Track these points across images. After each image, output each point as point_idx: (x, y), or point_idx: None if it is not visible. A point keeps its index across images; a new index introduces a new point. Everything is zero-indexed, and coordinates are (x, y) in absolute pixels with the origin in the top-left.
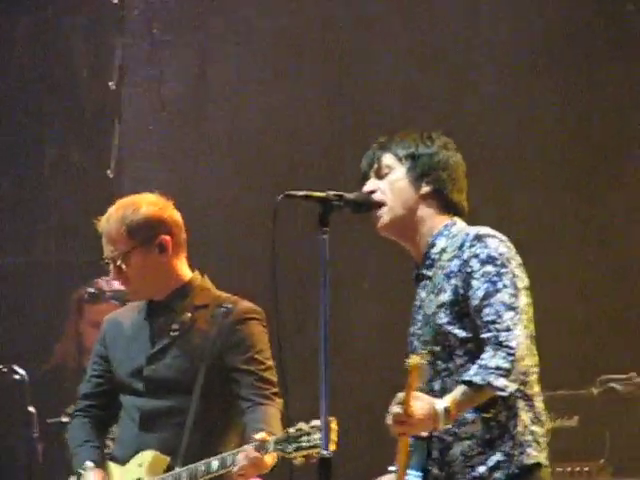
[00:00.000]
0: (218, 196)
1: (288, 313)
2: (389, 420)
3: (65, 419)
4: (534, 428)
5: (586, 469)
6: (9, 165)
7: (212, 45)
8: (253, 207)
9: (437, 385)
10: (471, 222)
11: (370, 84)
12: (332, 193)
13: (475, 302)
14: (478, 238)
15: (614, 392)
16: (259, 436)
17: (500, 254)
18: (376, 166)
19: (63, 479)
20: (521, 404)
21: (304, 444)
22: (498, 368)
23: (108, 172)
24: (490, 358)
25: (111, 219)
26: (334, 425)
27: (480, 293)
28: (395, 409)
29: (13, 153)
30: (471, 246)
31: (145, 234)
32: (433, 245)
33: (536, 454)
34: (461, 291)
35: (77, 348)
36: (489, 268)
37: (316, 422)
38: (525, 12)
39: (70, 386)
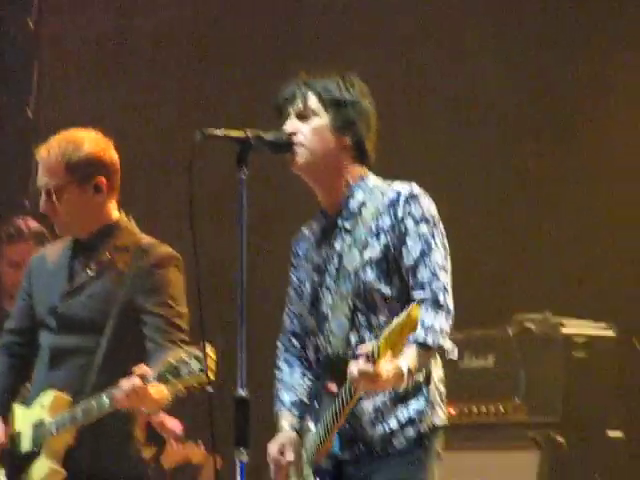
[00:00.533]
0: (139, 134)
1: (207, 257)
2: (354, 373)
3: None
4: (441, 388)
5: (502, 408)
6: None
7: None
8: (175, 145)
9: (354, 338)
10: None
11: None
12: (250, 133)
13: (409, 262)
14: (413, 197)
15: (529, 331)
16: (140, 369)
17: (432, 215)
18: (300, 106)
19: None
20: (432, 362)
21: (184, 373)
22: (442, 330)
23: (27, 112)
24: (434, 319)
25: (52, 151)
26: (212, 354)
27: (415, 253)
28: (364, 366)
29: None
30: (405, 204)
31: (83, 172)
32: (351, 196)
33: (444, 417)
34: (392, 249)
35: None
36: (423, 228)
37: (196, 351)
38: None
39: None
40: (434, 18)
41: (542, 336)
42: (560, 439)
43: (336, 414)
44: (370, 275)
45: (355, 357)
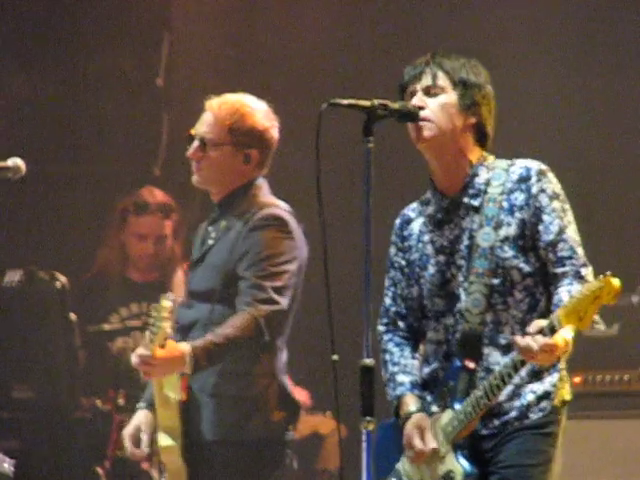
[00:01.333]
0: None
1: (334, 223)
2: (534, 347)
3: (107, 327)
4: (565, 365)
5: (626, 377)
6: (58, 75)
7: None
8: (302, 117)
9: (489, 317)
10: None
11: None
12: (377, 101)
13: (549, 237)
14: (543, 173)
15: None
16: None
17: (560, 190)
18: (428, 82)
19: (103, 386)
20: None
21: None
22: None
23: (158, 81)
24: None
25: (223, 107)
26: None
27: (554, 228)
28: (542, 339)
29: (62, 63)
30: (538, 180)
31: (242, 139)
32: (475, 175)
33: (571, 391)
34: (528, 225)
35: (120, 258)
36: (556, 204)
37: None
38: None
39: (112, 295)
40: None
41: None
42: None
43: (492, 391)
44: (508, 252)
45: (494, 334)
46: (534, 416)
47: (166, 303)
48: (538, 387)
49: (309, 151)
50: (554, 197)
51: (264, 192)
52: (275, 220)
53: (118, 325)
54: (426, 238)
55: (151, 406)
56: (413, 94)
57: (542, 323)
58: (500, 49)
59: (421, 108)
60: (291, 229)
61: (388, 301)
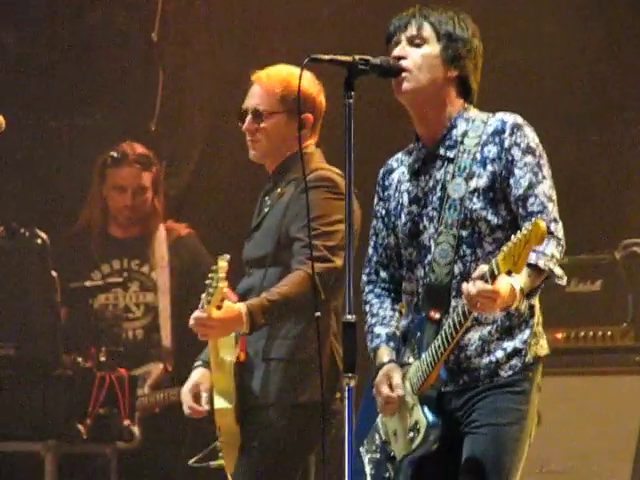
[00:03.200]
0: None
1: None
2: (473, 292)
3: (88, 284)
4: (541, 318)
5: (609, 333)
6: (50, 29)
7: None
8: None
9: (457, 269)
10: None
11: None
12: (358, 57)
13: (519, 191)
14: (518, 126)
15: (637, 256)
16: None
17: (537, 144)
18: (413, 32)
19: (85, 343)
20: (537, 294)
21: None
22: (552, 256)
23: (152, 35)
24: (545, 245)
25: (271, 76)
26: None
27: (524, 182)
28: (482, 284)
29: (54, 16)
30: (511, 134)
31: (294, 106)
32: (454, 127)
33: (546, 346)
34: (499, 178)
35: (101, 213)
36: (529, 158)
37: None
38: None
39: (93, 251)
40: None
41: None
42: None
43: (446, 340)
44: (477, 204)
45: (466, 281)
46: (504, 374)
47: (222, 263)
48: (508, 344)
49: None
50: (527, 151)
51: (317, 158)
52: (325, 181)
53: (99, 282)
54: (403, 187)
55: (208, 364)
56: (397, 44)
57: (485, 269)
58: None
59: (402, 58)
60: (342, 191)
61: (371, 250)
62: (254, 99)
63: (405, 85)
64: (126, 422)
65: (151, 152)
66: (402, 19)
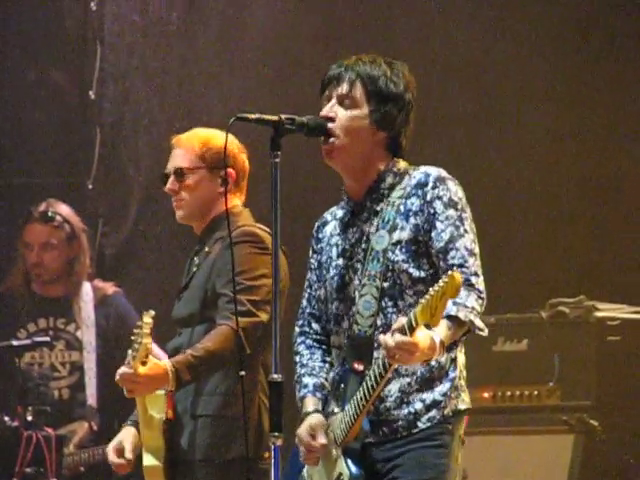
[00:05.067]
0: (204, 118)
1: None
2: (391, 344)
3: (15, 342)
4: (465, 373)
5: (535, 393)
6: None
7: None
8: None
9: (379, 321)
10: None
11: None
12: (284, 116)
13: (440, 244)
14: (441, 180)
15: (563, 315)
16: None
17: (459, 198)
18: (344, 92)
19: (11, 402)
20: (459, 347)
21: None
22: (473, 308)
23: (90, 93)
24: (466, 298)
25: (192, 137)
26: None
27: (445, 236)
28: (400, 337)
29: None
30: (434, 187)
31: (216, 161)
32: (382, 180)
33: (467, 400)
34: (422, 231)
35: (23, 271)
36: (451, 212)
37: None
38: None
39: (19, 310)
40: None
41: (576, 320)
42: (594, 423)
43: (368, 392)
44: (400, 256)
45: (385, 334)
46: (422, 425)
47: (147, 319)
48: (428, 396)
49: None
50: (450, 205)
51: (244, 217)
52: (249, 236)
53: (25, 340)
54: (333, 241)
55: (137, 423)
56: (329, 99)
57: (403, 321)
58: None
59: (331, 119)
60: (267, 246)
61: (304, 302)
62: (175, 160)
63: (333, 152)
64: None
65: (69, 211)
66: (336, 71)
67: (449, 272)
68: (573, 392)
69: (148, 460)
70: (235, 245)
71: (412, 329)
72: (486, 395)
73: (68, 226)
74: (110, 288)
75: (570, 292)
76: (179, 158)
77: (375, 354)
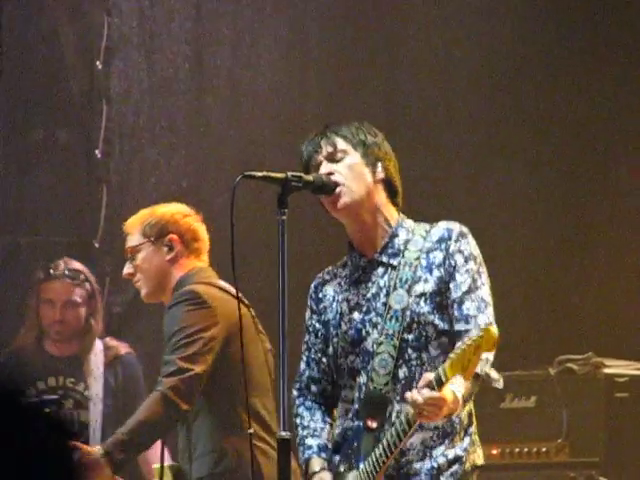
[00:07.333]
0: (211, 176)
1: (253, 293)
2: (420, 400)
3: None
4: (477, 428)
5: (544, 449)
6: None
7: (206, 24)
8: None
9: (402, 373)
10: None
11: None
12: (291, 174)
13: (457, 295)
14: (463, 235)
15: (571, 372)
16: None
17: (478, 253)
18: (330, 150)
19: None
20: (473, 403)
21: None
22: (487, 360)
23: (96, 152)
24: None
25: (135, 219)
26: None
27: (464, 287)
28: (429, 392)
29: None
30: (456, 241)
31: (156, 231)
32: (395, 235)
33: (482, 455)
34: (443, 283)
35: (37, 330)
36: (471, 265)
37: None
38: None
39: (29, 369)
40: None
41: (584, 376)
42: (603, 479)
43: (389, 448)
44: (425, 307)
45: (406, 390)
46: None
47: None
48: (450, 451)
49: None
50: (470, 258)
51: (202, 277)
52: (184, 295)
53: (34, 399)
54: (341, 297)
55: None
56: (318, 166)
57: (430, 376)
58: None
59: (330, 174)
60: (204, 299)
61: (303, 365)
62: (126, 245)
63: (343, 199)
64: None
65: (86, 269)
66: (312, 142)
67: (484, 326)
68: (582, 449)
69: None
70: (172, 307)
71: (440, 384)
72: (494, 452)
73: (88, 284)
74: (123, 349)
75: (578, 349)
76: (127, 242)
77: (397, 406)
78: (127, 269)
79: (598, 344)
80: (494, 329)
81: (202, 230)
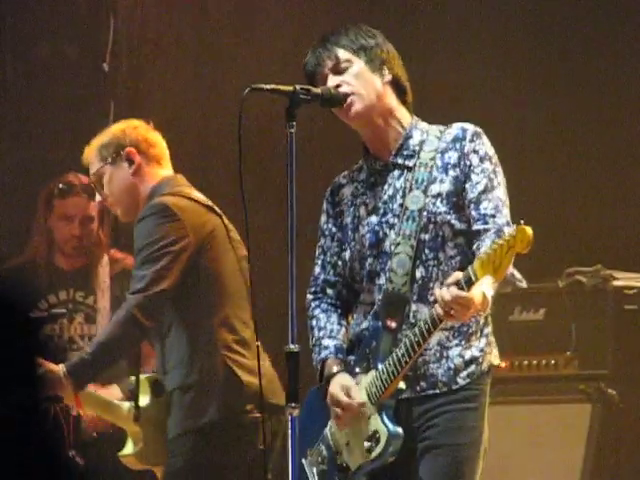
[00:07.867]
0: (217, 91)
1: (258, 209)
2: (447, 298)
3: (34, 315)
4: (492, 329)
5: (552, 362)
6: None
7: None
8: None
9: (419, 273)
10: None
11: None
12: (299, 86)
13: (474, 195)
14: (477, 135)
15: (580, 284)
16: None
17: (493, 153)
18: (333, 62)
19: None
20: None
21: None
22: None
23: (104, 65)
24: None
25: (88, 149)
26: None
27: (480, 187)
28: (457, 291)
29: (3, 50)
30: (471, 141)
31: (112, 150)
32: (409, 137)
33: (497, 355)
34: (459, 183)
35: (47, 245)
36: (487, 165)
37: None
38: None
39: (39, 283)
40: None
41: (593, 289)
42: (611, 392)
43: (412, 348)
44: (441, 207)
45: (423, 290)
46: (462, 382)
47: None
48: (466, 351)
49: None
50: (485, 158)
51: (172, 185)
52: (152, 208)
53: (45, 313)
54: (359, 201)
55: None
56: (325, 80)
57: (459, 275)
58: None
59: (339, 86)
60: (173, 211)
61: (317, 269)
62: (90, 173)
63: (355, 107)
64: (71, 452)
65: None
66: (313, 57)
67: (517, 225)
68: (590, 361)
69: (127, 449)
70: (141, 221)
71: (470, 284)
72: (503, 365)
73: (99, 196)
74: (130, 261)
75: (587, 261)
76: (90, 173)
77: (413, 307)
78: (98, 198)
79: (607, 256)
80: (528, 229)
81: (156, 136)
